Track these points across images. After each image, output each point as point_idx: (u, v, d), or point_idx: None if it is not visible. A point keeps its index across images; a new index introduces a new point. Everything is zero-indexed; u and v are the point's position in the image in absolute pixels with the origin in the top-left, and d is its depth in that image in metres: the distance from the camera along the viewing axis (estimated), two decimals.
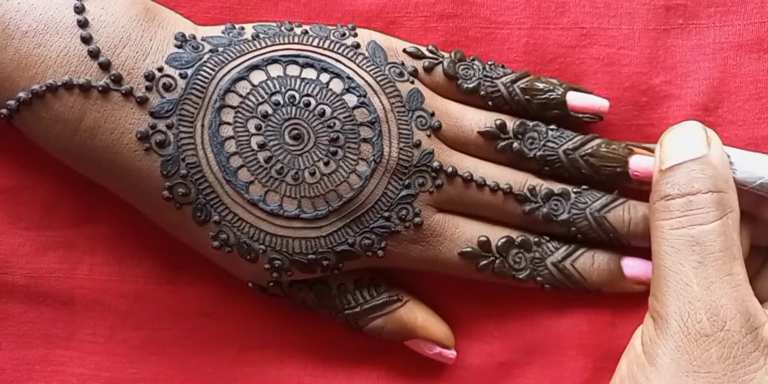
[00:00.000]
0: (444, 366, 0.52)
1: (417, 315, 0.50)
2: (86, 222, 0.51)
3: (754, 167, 0.46)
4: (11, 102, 0.44)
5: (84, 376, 0.51)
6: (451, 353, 0.51)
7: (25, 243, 0.51)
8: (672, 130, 0.46)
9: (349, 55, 0.47)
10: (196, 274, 0.51)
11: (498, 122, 0.49)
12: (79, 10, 0.44)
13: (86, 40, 0.44)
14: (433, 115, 0.48)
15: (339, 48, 0.47)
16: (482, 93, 0.50)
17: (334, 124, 0.45)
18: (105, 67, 0.44)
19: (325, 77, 0.46)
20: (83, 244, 0.51)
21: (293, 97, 0.45)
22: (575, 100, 0.50)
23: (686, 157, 0.44)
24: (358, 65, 0.47)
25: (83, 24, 0.44)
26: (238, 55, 0.46)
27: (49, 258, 0.51)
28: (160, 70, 0.44)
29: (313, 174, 0.45)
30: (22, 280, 0.51)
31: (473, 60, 0.50)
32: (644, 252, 0.50)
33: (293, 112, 0.45)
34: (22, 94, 0.44)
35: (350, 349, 0.52)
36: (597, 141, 0.50)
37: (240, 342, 0.52)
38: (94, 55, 0.44)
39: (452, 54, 0.50)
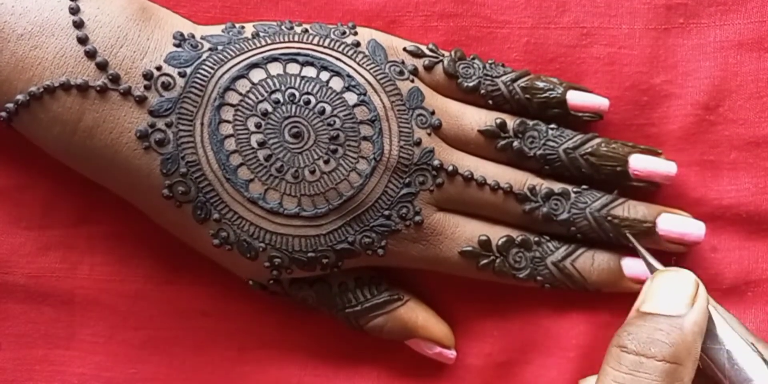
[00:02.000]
0: (444, 366, 0.52)
1: (417, 314, 0.50)
2: (86, 222, 0.51)
3: (749, 368, 0.43)
4: (10, 105, 0.44)
5: (84, 375, 0.51)
6: (451, 353, 0.51)
7: (26, 243, 0.51)
8: (666, 274, 0.44)
9: (350, 54, 0.47)
10: (196, 273, 0.51)
11: (498, 121, 0.49)
12: (74, 10, 0.44)
13: (82, 40, 0.44)
14: (433, 113, 0.48)
15: (339, 46, 0.47)
16: (482, 92, 0.50)
17: (334, 122, 0.45)
18: (102, 67, 0.44)
19: (325, 75, 0.46)
20: (83, 243, 0.51)
21: (293, 95, 0.45)
22: (575, 98, 0.50)
23: (662, 310, 0.42)
24: (358, 63, 0.47)
25: (79, 25, 0.44)
26: (237, 53, 0.46)
27: (50, 258, 0.51)
28: (159, 69, 0.44)
29: (313, 172, 0.45)
30: (23, 279, 0.51)
31: (473, 59, 0.50)
32: None
33: (293, 110, 0.45)
34: (20, 97, 0.44)
35: (350, 348, 0.52)
36: (597, 140, 0.50)
37: (240, 341, 0.52)
38: (90, 55, 0.44)
39: (452, 53, 0.50)
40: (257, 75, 0.45)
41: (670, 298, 0.42)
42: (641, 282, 0.50)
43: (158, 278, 0.52)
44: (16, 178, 0.51)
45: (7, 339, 0.51)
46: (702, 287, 0.43)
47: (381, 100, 0.46)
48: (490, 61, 0.50)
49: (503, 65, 0.51)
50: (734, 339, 0.43)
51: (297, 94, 0.45)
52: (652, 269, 0.46)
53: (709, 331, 0.43)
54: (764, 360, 0.43)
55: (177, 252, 0.50)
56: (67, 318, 0.51)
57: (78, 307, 0.51)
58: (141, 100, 0.44)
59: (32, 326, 0.51)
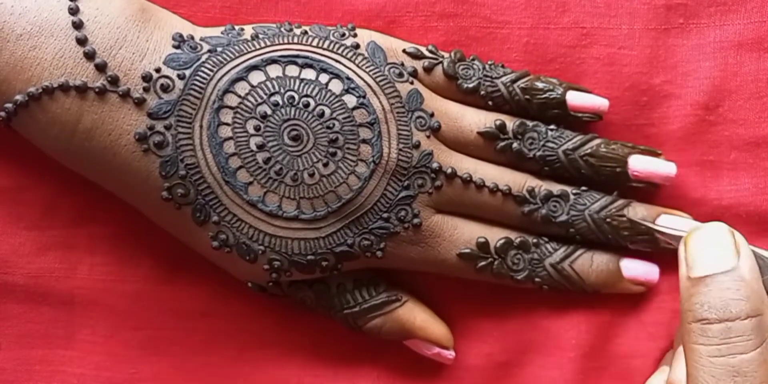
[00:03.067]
0: (443, 366, 0.52)
1: (416, 315, 0.50)
2: (86, 222, 0.51)
3: None
4: (8, 105, 0.44)
5: (84, 376, 0.51)
6: (450, 353, 0.51)
7: (26, 243, 0.51)
8: (698, 233, 0.42)
9: (349, 56, 0.47)
10: (196, 274, 0.51)
11: (497, 122, 0.49)
12: (74, 11, 0.44)
13: (81, 41, 0.44)
14: (432, 115, 0.48)
15: (338, 48, 0.47)
16: (482, 93, 0.50)
17: (334, 125, 0.45)
18: (101, 68, 0.44)
19: (324, 78, 0.46)
20: (83, 244, 0.51)
21: (292, 97, 0.45)
22: (575, 99, 0.50)
23: (716, 268, 0.40)
24: (357, 66, 0.47)
25: (78, 25, 0.44)
26: (236, 55, 0.46)
27: (49, 258, 0.51)
28: (158, 71, 0.44)
29: (312, 175, 0.45)
30: (22, 280, 0.51)
31: (473, 60, 0.50)
32: (644, 253, 0.50)
33: (292, 112, 0.45)
34: (18, 97, 0.44)
35: (350, 348, 0.52)
36: (597, 141, 0.50)
37: (240, 342, 0.52)
38: (89, 56, 0.44)
39: (452, 54, 0.50)
40: (256, 77, 0.45)
41: (716, 254, 0.41)
42: (640, 283, 0.50)
43: (158, 278, 0.52)
44: (16, 178, 0.51)
45: (7, 339, 0.51)
46: (737, 233, 0.42)
47: (380, 102, 0.46)
48: (489, 62, 0.50)
49: (503, 66, 0.50)
50: None
51: (296, 96, 0.45)
52: (676, 238, 0.45)
53: (762, 268, 0.42)
54: None
55: (177, 252, 0.50)
56: (67, 318, 0.51)
57: (77, 308, 0.51)
58: (140, 102, 0.44)
59: (32, 326, 0.51)
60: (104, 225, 0.51)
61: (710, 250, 0.41)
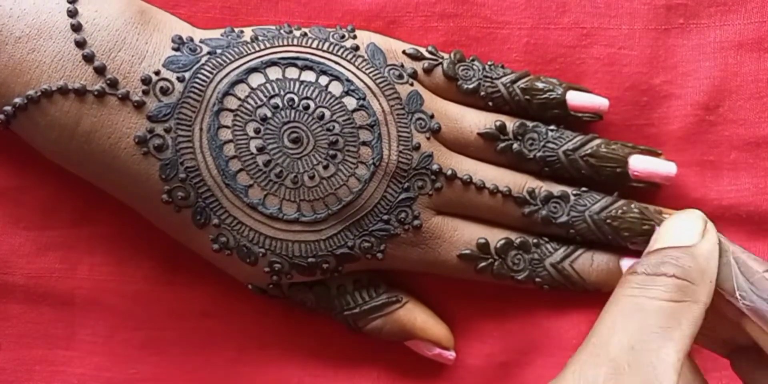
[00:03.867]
0: (444, 366, 0.52)
1: (416, 316, 0.50)
2: (86, 222, 0.51)
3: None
4: (7, 108, 0.44)
5: (84, 376, 0.51)
6: (451, 354, 0.51)
7: (26, 243, 0.51)
8: (673, 216, 0.44)
9: (349, 58, 0.47)
10: (196, 274, 0.51)
11: (498, 123, 0.49)
12: (72, 13, 0.44)
13: (80, 44, 0.44)
14: (432, 117, 0.48)
15: (338, 50, 0.47)
16: (482, 93, 0.49)
17: (334, 127, 0.45)
18: (100, 71, 0.44)
19: (324, 80, 0.46)
20: (83, 244, 0.51)
21: (292, 100, 0.45)
22: (575, 99, 0.50)
23: (672, 243, 0.42)
24: (357, 67, 0.47)
25: (77, 28, 0.44)
26: (236, 57, 0.46)
27: (49, 258, 0.51)
28: (157, 73, 0.44)
29: (312, 177, 0.45)
30: (22, 280, 0.51)
31: (473, 60, 0.50)
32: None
33: (292, 115, 0.45)
34: (17, 100, 0.44)
35: (350, 349, 0.52)
36: (597, 141, 0.50)
37: (240, 342, 0.52)
38: (88, 59, 0.44)
39: (452, 55, 0.50)
40: (256, 79, 0.45)
41: (679, 233, 0.42)
42: None
43: (158, 279, 0.52)
44: (16, 178, 0.51)
45: (7, 339, 0.51)
46: (710, 224, 0.42)
47: (380, 104, 0.46)
48: (489, 63, 0.50)
49: (503, 66, 0.50)
50: (749, 261, 0.42)
51: (296, 98, 0.45)
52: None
53: (723, 264, 0.42)
54: None
55: (177, 253, 0.50)
56: (67, 318, 0.51)
57: (78, 308, 0.51)
58: (139, 106, 0.44)
59: (32, 326, 0.51)
60: (104, 225, 0.51)
61: (676, 230, 0.42)
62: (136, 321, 0.52)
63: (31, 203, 0.51)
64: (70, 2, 0.44)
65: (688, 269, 0.40)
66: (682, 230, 0.42)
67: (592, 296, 0.51)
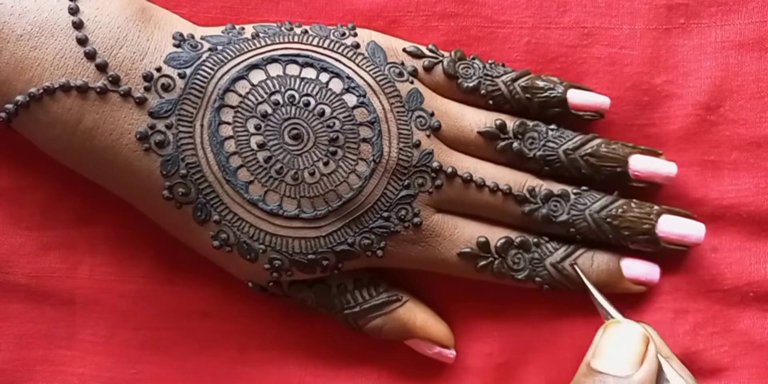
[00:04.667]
0: (444, 366, 0.52)
1: (416, 315, 0.50)
2: (87, 222, 0.51)
3: None
4: (9, 106, 0.44)
5: (85, 376, 0.51)
6: (451, 353, 0.51)
7: (26, 243, 0.51)
8: (616, 328, 0.45)
9: (349, 55, 0.47)
10: (196, 274, 0.51)
11: (498, 122, 0.49)
12: (74, 11, 0.44)
13: (82, 41, 0.44)
14: (432, 115, 0.48)
15: (339, 48, 0.47)
16: (482, 92, 0.50)
17: (334, 123, 0.45)
18: (102, 68, 0.44)
19: (324, 77, 0.46)
20: (84, 244, 0.51)
21: (293, 96, 0.45)
22: (576, 97, 0.50)
23: (611, 370, 0.43)
24: (357, 65, 0.47)
25: (78, 25, 0.44)
26: (237, 54, 0.46)
27: (50, 258, 0.51)
28: (159, 70, 0.44)
29: (312, 174, 0.45)
30: (23, 280, 0.51)
31: (473, 59, 0.50)
32: (644, 253, 0.50)
33: (293, 111, 0.45)
34: (19, 98, 0.44)
35: (351, 348, 0.52)
36: (597, 141, 0.50)
37: (241, 342, 0.52)
38: (90, 56, 0.44)
39: (452, 53, 0.50)
40: (257, 76, 0.45)
41: (618, 356, 0.43)
42: (640, 283, 0.50)
43: (159, 278, 0.52)
44: (16, 178, 0.51)
45: (8, 339, 0.51)
46: (652, 344, 0.43)
47: (380, 101, 0.46)
48: (490, 61, 0.50)
49: (503, 65, 0.50)
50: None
51: (297, 95, 0.45)
52: (607, 316, 0.46)
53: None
54: None
55: (177, 252, 0.50)
56: (68, 318, 0.51)
57: (78, 308, 0.51)
58: (141, 102, 0.44)
59: (32, 326, 0.51)
60: (105, 225, 0.51)
61: (616, 351, 0.43)
62: (137, 321, 0.52)
63: (31, 203, 0.51)
64: (71, 0, 0.44)
65: None
66: (620, 352, 0.43)
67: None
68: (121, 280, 0.51)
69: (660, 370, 0.44)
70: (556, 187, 0.49)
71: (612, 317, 0.46)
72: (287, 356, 0.52)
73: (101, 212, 0.51)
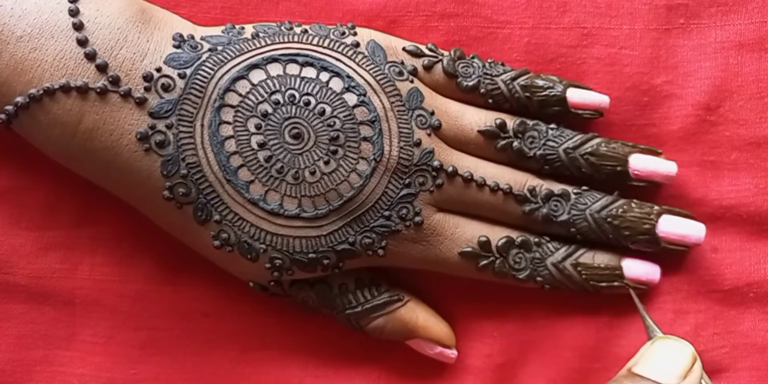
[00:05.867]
0: (444, 366, 0.52)
1: (418, 315, 0.50)
2: (87, 222, 0.51)
3: None
4: (9, 107, 0.44)
5: (85, 376, 0.51)
6: (452, 353, 0.51)
7: (26, 243, 0.51)
8: (667, 341, 0.44)
9: (349, 54, 0.47)
10: (196, 274, 0.51)
11: (498, 121, 0.49)
12: (74, 12, 0.44)
13: (82, 42, 0.44)
14: (432, 114, 0.48)
15: (339, 47, 0.47)
16: (482, 91, 0.50)
17: (334, 122, 0.45)
18: (102, 69, 0.44)
19: (324, 76, 0.46)
20: (84, 244, 0.51)
21: (293, 96, 0.45)
22: (575, 96, 0.50)
23: (654, 375, 0.42)
24: (357, 64, 0.47)
25: (78, 27, 0.44)
26: (237, 53, 0.46)
27: (50, 258, 0.51)
28: (159, 70, 0.44)
29: (313, 173, 0.45)
30: (23, 280, 0.51)
31: (473, 58, 0.50)
32: (645, 253, 0.50)
33: (293, 111, 0.45)
34: (19, 99, 0.44)
35: (351, 348, 0.52)
36: (597, 140, 0.50)
37: (241, 342, 0.52)
38: (90, 57, 0.44)
39: (452, 52, 0.50)
40: (257, 76, 0.45)
41: (664, 365, 0.42)
42: (641, 283, 0.50)
43: (159, 279, 0.52)
44: (16, 179, 0.51)
45: (7, 340, 0.51)
46: (698, 362, 0.43)
47: (381, 100, 0.46)
48: (489, 60, 0.50)
49: (503, 64, 0.51)
50: None
51: (297, 95, 0.45)
52: (652, 333, 0.46)
53: None
54: None
55: (178, 253, 0.50)
56: (68, 318, 0.51)
57: (78, 308, 0.51)
58: (141, 102, 0.44)
59: (32, 327, 0.51)
60: (105, 225, 0.51)
61: (663, 360, 0.43)
62: (137, 321, 0.52)
63: (31, 203, 0.51)
64: (71, 1, 0.44)
65: None
66: (668, 363, 0.43)
67: (592, 297, 0.51)
68: (121, 281, 0.51)
69: None
70: (557, 187, 0.50)
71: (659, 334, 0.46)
72: (287, 356, 0.52)
73: (101, 212, 0.51)
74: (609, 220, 0.49)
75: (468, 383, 0.52)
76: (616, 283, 0.49)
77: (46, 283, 0.51)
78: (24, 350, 0.51)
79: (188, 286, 0.52)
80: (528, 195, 0.49)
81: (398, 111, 0.47)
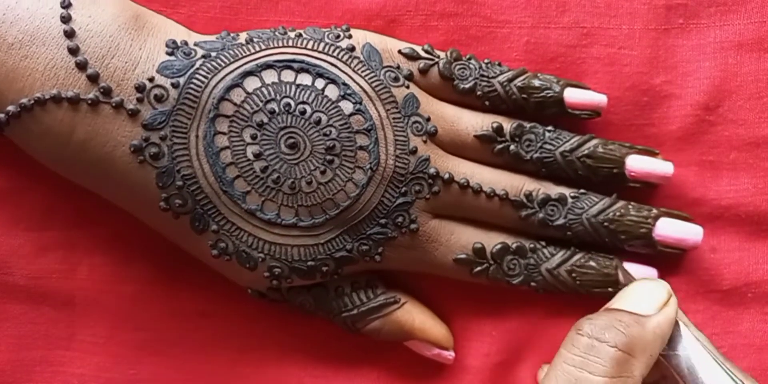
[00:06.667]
0: (443, 366, 0.52)
1: (414, 317, 0.50)
2: (86, 223, 0.51)
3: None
4: (1, 115, 0.44)
5: (84, 376, 0.51)
6: (450, 354, 0.51)
7: (26, 244, 0.51)
8: (640, 281, 0.45)
9: (345, 59, 0.47)
10: (196, 274, 0.51)
11: (495, 125, 0.49)
12: (66, 19, 0.43)
13: (73, 51, 0.43)
14: (429, 120, 0.47)
15: (334, 51, 0.47)
16: (479, 93, 0.49)
17: (330, 132, 0.45)
18: (93, 79, 0.43)
19: (320, 83, 0.46)
20: (83, 245, 0.51)
21: (288, 104, 0.45)
22: (573, 96, 0.49)
23: (628, 307, 0.43)
24: (353, 70, 0.46)
25: (70, 34, 0.43)
26: (231, 60, 0.45)
27: (50, 259, 0.51)
28: (151, 80, 0.44)
29: (309, 183, 0.45)
30: (23, 280, 0.51)
31: (469, 59, 0.50)
32: (640, 257, 0.50)
33: (289, 120, 0.45)
34: (10, 108, 0.43)
35: (350, 349, 0.52)
36: (594, 142, 0.49)
37: (240, 343, 0.52)
38: (81, 66, 0.43)
39: (448, 53, 0.49)
40: (252, 84, 0.45)
41: (639, 299, 0.43)
42: None
43: (158, 279, 0.52)
44: (16, 179, 0.51)
45: (7, 340, 0.51)
46: (674, 299, 0.43)
47: (376, 108, 0.46)
48: (486, 61, 0.50)
49: (500, 64, 0.50)
50: (699, 352, 0.44)
51: (292, 103, 0.45)
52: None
53: (674, 340, 0.43)
54: (732, 378, 0.43)
55: (177, 253, 0.50)
56: (67, 319, 0.51)
57: (78, 308, 0.51)
58: (134, 114, 0.44)
59: (32, 327, 0.51)
60: (104, 226, 0.51)
61: (638, 295, 0.43)
62: (136, 321, 0.52)
63: (31, 204, 0.51)
64: (63, 7, 0.44)
65: (632, 339, 0.41)
66: (643, 297, 0.43)
67: (588, 296, 0.51)
68: (121, 281, 0.52)
69: (677, 335, 0.44)
70: (554, 191, 0.49)
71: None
72: (286, 357, 0.52)
73: (101, 213, 0.51)
74: (606, 224, 0.49)
75: (466, 383, 0.52)
76: (610, 289, 0.49)
77: (45, 284, 0.51)
78: (24, 350, 0.51)
79: (187, 287, 0.52)
80: (524, 200, 0.49)
81: (394, 118, 0.46)
